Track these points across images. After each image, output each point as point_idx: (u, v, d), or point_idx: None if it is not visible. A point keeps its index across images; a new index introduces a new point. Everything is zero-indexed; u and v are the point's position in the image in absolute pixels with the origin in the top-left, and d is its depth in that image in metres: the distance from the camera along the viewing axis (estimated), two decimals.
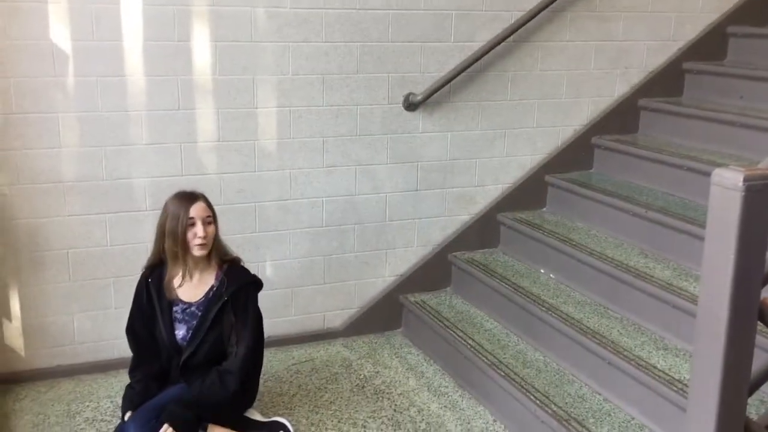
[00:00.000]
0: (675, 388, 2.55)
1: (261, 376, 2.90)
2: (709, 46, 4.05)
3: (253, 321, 2.73)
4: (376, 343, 3.71)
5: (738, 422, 1.87)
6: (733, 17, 4.07)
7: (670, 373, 2.66)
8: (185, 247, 2.62)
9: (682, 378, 2.61)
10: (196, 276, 2.71)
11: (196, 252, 2.63)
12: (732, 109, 3.70)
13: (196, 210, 2.61)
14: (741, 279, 1.79)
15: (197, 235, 2.60)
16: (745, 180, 1.77)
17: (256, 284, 2.79)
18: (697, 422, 1.94)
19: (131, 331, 2.79)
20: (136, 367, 2.77)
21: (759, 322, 1.90)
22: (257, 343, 2.75)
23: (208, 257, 2.69)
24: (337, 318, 3.74)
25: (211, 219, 2.65)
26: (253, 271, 2.84)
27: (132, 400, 2.67)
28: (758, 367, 1.96)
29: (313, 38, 3.36)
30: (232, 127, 3.33)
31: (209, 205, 2.67)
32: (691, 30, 4.03)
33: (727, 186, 1.78)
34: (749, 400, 1.96)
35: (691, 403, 1.99)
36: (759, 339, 1.93)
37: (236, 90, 3.30)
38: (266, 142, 3.41)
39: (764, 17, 4.06)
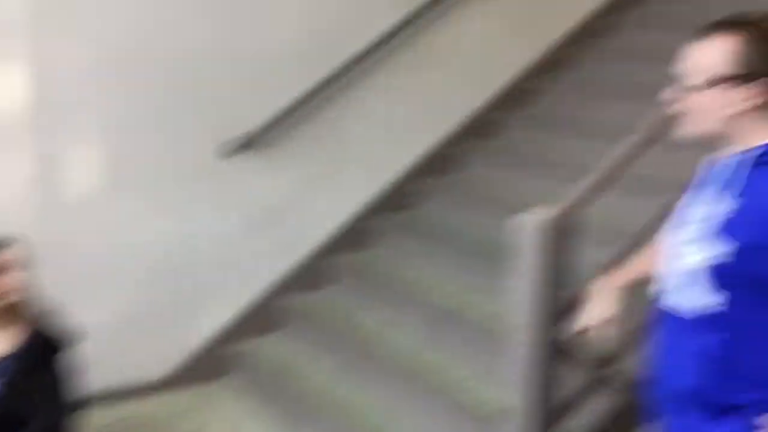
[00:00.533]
0: (500, 417, 2.63)
1: None
2: (519, 94, 4.32)
3: (61, 382, 2.52)
4: (202, 394, 3.54)
5: None
6: (540, 68, 4.37)
7: (495, 403, 2.73)
8: None
9: (506, 406, 2.70)
10: None
11: None
12: (542, 152, 3.94)
13: None
14: (541, 311, 1.90)
15: None
16: (541, 223, 1.91)
17: (66, 342, 2.58)
18: None
19: None
20: None
21: (574, 350, 2.01)
22: (64, 405, 2.54)
23: (11, 312, 2.46)
24: (161, 369, 3.55)
25: (8, 270, 2.43)
26: (66, 325, 2.63)
27: None
28: (570, 392, 2.06)
29: (133, 79, 3.25)
30: (42, 173, 3.14)
31: (9, 255, 2.44)
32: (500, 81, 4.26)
33: (526, 228, 1.91)
34: (572, 425, 2.06)
35: (510, 429, 2.07)
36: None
37: (47, 134, 3.12)
38: (80, 188, 3.23)
39: (574, 64, 4.38)
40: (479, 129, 4.23)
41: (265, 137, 3.58)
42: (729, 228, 1.47)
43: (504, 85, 4.29)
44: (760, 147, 1.50)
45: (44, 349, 2.47)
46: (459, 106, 4.18)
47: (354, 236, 3.94)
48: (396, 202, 4.03)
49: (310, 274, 3.85)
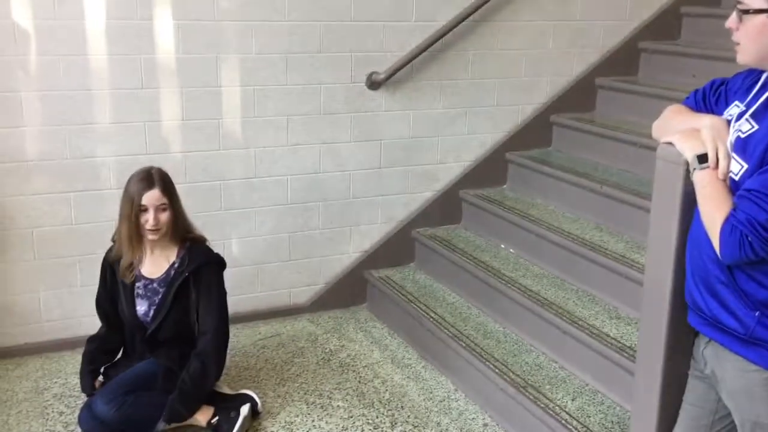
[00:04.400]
0: (626, 355, 2.67)
1: (228, 351, 2.96)
2: (664, 25, 4.15)
3: (219, 300, 2.78)
4: (341, 318, 3.78)
5: (680, 383, 1.98)
6: None
7: (621, 341, 2.77)
8: (138, 231, 2.67)
9: (632, 344, 2.73)
10: (157, 253, 2.76)
11: (149, 237, 2.68)
12: (685, 87, 3.75)
13: (149, 198, 2.63)
14: (684, 246, 1.89)
15: (148, 222, 2.64)
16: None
17: (219, 264, 2.83)
18: (643, 384, 2.05)
19: (98, 306, 2.84)
20: (97, 337, 2.88)
21: None
22: (224, 321, 2.81)
23: (169, 235, 2.73)
24: (303, 294, 3.80)
25: (166, 206, 2.66)
26: (218, 249, 2.88)
27: (84, 374, 2.83)
28: None
29: (276, 17, 3.39)
30: (196, 105, 3.36)
31: (166, 190, 2.67)
32: (647, 10, 4.13)
33: (670, 159, 1.88)
34: None
35: (638, 366, 2.10)
36: None
37: (200, 69, 3.33)
38: (230, 120, 3.44)
39: None
40: (620, 62, 4.11)
41: (405, 72, 3.65)
42: (744, 148, 1.66)
43: (648, 18, 4.12)
44: None
45: (197, 270, 2.74)
46: (600, 39, 4.07)
47: (489, 171, 3.99)
48: (530, 137, 4.02)
49: (444, 207, 3.95)
